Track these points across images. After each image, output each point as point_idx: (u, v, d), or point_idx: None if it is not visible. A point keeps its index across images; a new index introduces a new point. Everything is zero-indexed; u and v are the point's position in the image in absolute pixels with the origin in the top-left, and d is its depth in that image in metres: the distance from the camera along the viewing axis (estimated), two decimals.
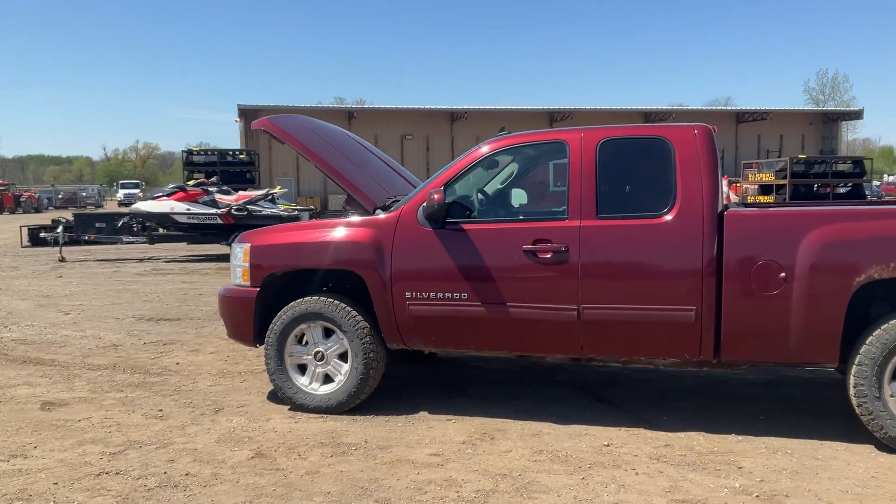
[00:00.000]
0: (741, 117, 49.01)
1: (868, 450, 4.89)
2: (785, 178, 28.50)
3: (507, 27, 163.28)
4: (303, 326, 5.85)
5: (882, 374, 4.80)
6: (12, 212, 53.58)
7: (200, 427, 5.53)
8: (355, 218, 5.85)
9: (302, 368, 5.92)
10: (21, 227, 22.33)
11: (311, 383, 5.88)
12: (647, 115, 47.20)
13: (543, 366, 7.11)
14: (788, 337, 4.94)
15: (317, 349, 5.84)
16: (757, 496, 4.22)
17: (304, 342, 5.90)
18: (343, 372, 5.79)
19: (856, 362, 4.86)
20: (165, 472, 4.65)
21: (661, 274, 5.15)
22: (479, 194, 5.79)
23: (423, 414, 5.78)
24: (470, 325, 5.53)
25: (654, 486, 4.38)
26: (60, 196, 63.83)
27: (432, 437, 5.28)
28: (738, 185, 31.22)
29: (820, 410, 5.75)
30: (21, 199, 56.70)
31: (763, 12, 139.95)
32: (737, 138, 48.76)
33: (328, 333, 5.83)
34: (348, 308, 5.72)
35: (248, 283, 5.99)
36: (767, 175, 29.53)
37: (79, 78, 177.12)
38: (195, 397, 6.30)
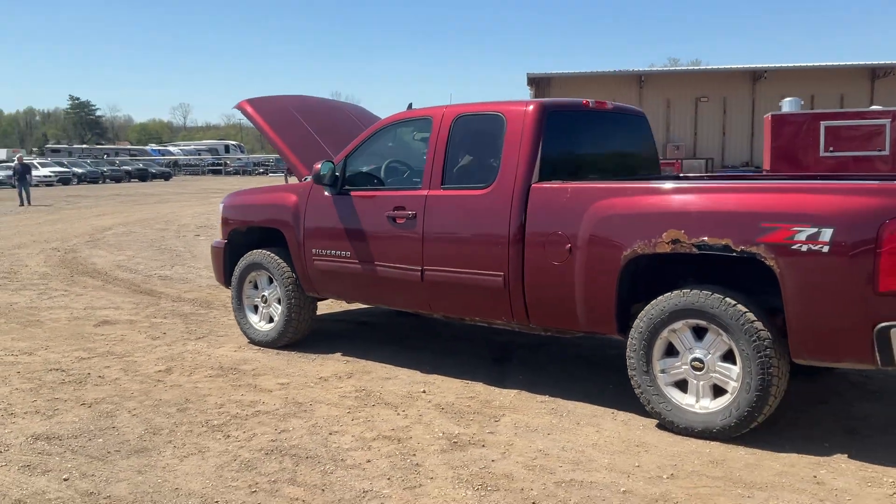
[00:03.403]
0: None
1: (643, 424, 4.93)
2: None
3: None
4: (254, 274, 7.09)
5: (650, 349, 4.83)
6: None
7: (168, 348, 7.05)
8: (289, 184, 6.92)
9: (256, 309, 7.17)
10: None
11: (259, 321, 7.12)
12: None
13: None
14: (576, 306, 5.12)
15: (263, 293, 7.05)
16: (444, 437, 4.65)
17: (257, 287, 7.14)
18: (278, 313, 6.94)
19: (629, 336, 4.93)
20: (89, 374, 6.21)
21: (479, 241, 5.55)
22: (371, 165, 6.50)
23: (336, 355, 6.73)
24: (351, 280, 6.36)
25: (389, 420, 4.98)
26: None
27: (306, 371, 6.23)
28: None
29: None
30: None
31: None
32: None
33: (271, 280, 7.00)
34: (279, 259, 6.84)
35: (221, 237, 7.37)
36: None
37: (428, 49, 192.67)
38: (204, 327, 7.86)
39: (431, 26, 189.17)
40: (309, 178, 6.81)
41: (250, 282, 7.15)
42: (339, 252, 6.37)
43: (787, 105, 17.46)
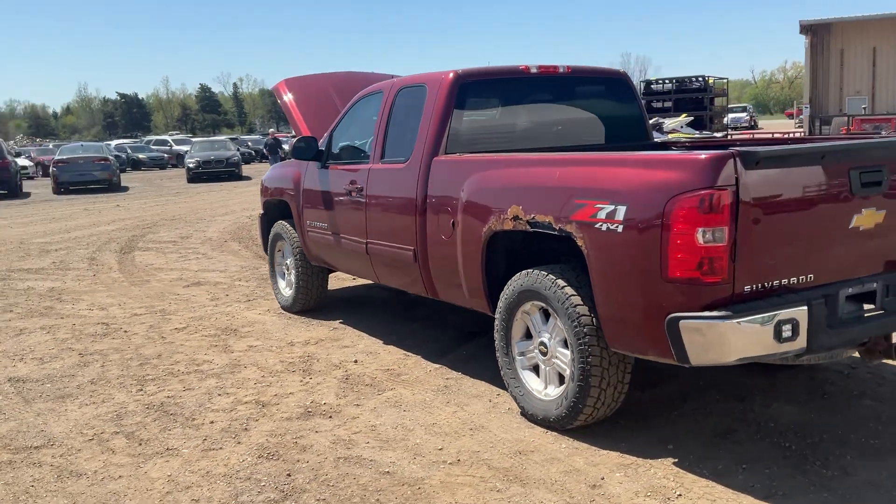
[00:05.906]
0: None
1: (511, 408, 4.69)
2: None
3: None
4: (280, 243, 7.63)
5: (509, 331, 4.60)
6: None
7: (213, 308, 7.83)
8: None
9: (284, 275, 7.71)
10: None
11: (285, 287, 7.66)
12: None
13: None
14: (461, 282, 5.00)
15: (287, 261, 7.57)
16: (306, 406, 4.82)
17: (284, 255, 7.67)
18: (294, 281, 7.43)
19: (495, 316, 4.74)
20: (120, 328, 7.13)
21: (397, 215, 5.55)
22: (348, 139, 6.65)
23: (334, 323, 7.04)
24: (329, 250, 6.64)
25: (285, 385, 5.25)
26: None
27: (287, 336, 6.63)
28: None
29: None
30: None
31: None
32: None
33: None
34: (292, 230, 7.30)
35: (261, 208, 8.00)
36: None
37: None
38: (266, 291, 8.55)
39: None
40: None
41: (279, 250, 7.69)
42: (321, 224, 6.66)
43: None
